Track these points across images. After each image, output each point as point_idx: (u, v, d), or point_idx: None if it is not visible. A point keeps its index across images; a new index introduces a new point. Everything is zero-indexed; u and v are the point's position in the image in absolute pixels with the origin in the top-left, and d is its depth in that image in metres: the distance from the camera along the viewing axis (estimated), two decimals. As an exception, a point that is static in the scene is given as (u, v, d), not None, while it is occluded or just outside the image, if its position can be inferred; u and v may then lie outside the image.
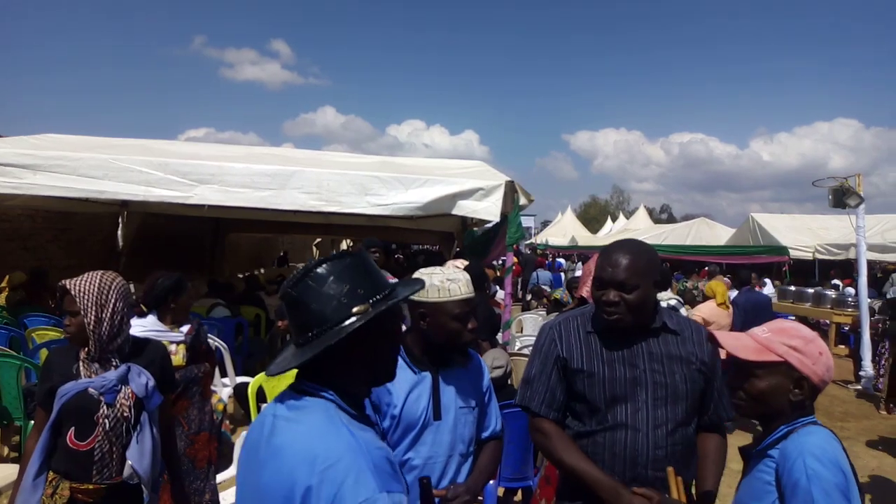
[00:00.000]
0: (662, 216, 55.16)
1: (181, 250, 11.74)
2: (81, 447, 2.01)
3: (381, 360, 1.25)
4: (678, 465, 1.77)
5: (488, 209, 4.90)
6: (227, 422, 4.45)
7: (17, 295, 6.40)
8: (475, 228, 7.30)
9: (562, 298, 7.02)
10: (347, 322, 1.15)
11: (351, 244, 22.91)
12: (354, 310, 1.16)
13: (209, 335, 3.55)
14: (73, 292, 2.02)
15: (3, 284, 6.47)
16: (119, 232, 8.03)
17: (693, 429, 1.86)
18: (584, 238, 27.68)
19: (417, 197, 4.91)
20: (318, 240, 21.95)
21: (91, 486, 2.01)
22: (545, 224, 36.85)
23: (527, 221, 30.04)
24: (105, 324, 2.05)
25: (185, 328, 3.07)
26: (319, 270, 1.18)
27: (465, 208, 4.95)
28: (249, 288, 8.54)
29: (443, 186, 4.89)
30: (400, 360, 1.46)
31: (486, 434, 2.07)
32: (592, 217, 47.47)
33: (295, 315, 1.20)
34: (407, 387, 1.87)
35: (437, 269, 1.95)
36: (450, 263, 2.00)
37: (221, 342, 5.06)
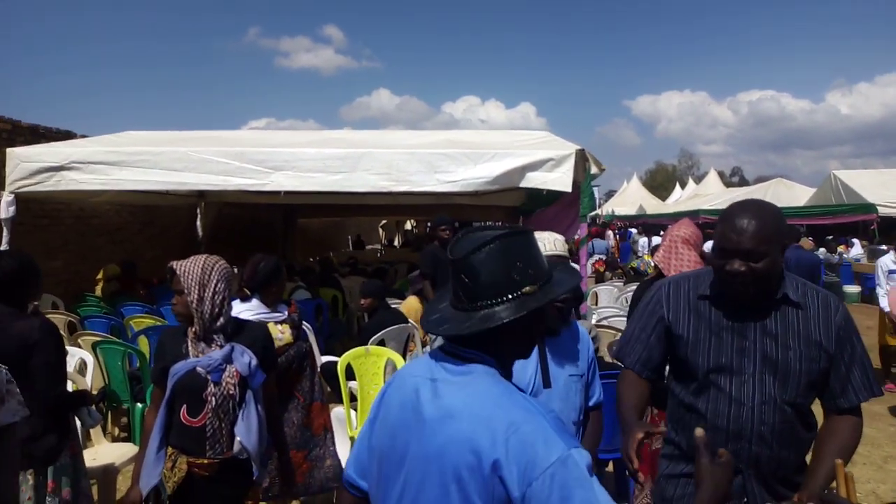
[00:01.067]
0: (734, 179, 52.92)
1: (255, 237, 12.17)
2: (194, 423, 2.12)
3: (532, 338, 1.26)
4: (783, 445, 1.69)
5: (560, 179, 4.80)
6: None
7: (112, 286, 6.80)
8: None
9: (639, 267, 6.85)
10: (516, 298, 1.17)
11: (414, 224, 23.16)
12: (526, 289, 1.17)
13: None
14: (178, 273, 2.15)
15: (99, 276, 6.88)
16: (198, 222, 8.40)
17: (806, 409, 1.73)
18: (653, 206, 26.82)
19: (487, 171, 4.87)
20: (384, 221, 22.28)
21: (205, 461, 2.12)
22: (610, 194, 35.99)
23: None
24: (207, 303, 2.16)
25: (285, 308, 3.22)
26: (499, 243, 1.19)
27: (534, 180, 4.87)
28: (325, 270, 8.76)
29: (512, 159, 4.83)
30: None
31: (591, 402, 2.06)
32: (659, 184, 46.05)
33: (464, 282, 1.20)
34: None
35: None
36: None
37: (306, 323, 5.21)
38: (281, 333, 3.09)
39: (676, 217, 14.88)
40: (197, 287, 2.14)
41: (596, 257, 13.37)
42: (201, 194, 8.11)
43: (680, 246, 3.09)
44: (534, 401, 1.14)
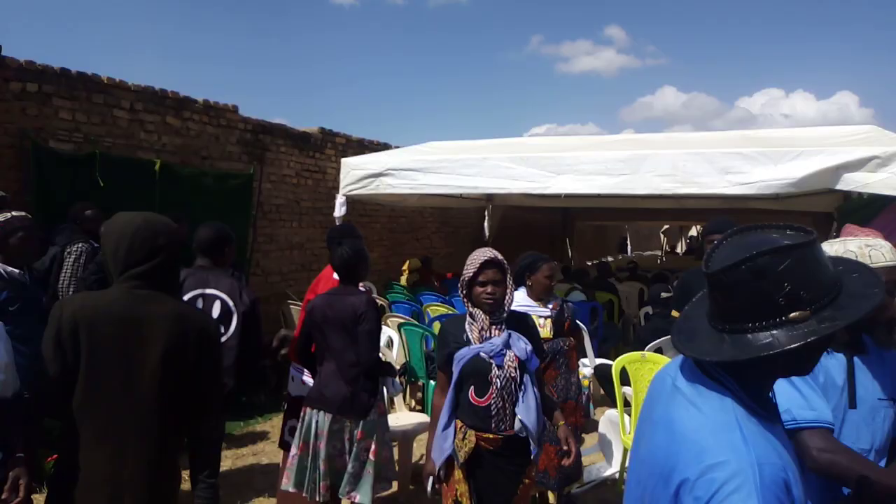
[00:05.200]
0: None
1: (535, 239, 12.68)
2: (481, 403, 2.36)
3: (806, 362, 1.10)
4: None
5: (886, 181, 4.07)
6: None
7: (413, 277, 7.79)
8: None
9: None
10: (778, 325, 1.02)
11: (700, 229, 21.60)
12: (792, 315, 1.01)
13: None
14: (505, 266, 2.45)
15: (404, 268, 7.94)
16: (485, 223, 9.12)
17: None
18: None
19: (789, 172, 4.35)
20: (666, 226, 21.23)
21: (491, 436, 2.35)
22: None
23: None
24: (509, 294, 2.45)
25: (551, 304, 3.37)
26: (761, 261, 1.02)
27: (852, 182, 4.19)
28: (601, 274, 8.75)
29: (823, 157, 4.23)
30: None
31: None
32: None
33: (719, 299, 1.10)
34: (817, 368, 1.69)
35: (850, 237, 1.75)
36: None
37: (581, 324, 5.32)
38: (541, 328, 3.24)
39: None
40: (511, 279, 2.45)
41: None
42: (489, 197, 8.76)
43: None
44: (759, 447, 1.01)
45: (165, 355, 1.79)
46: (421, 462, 2.83)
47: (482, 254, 2.44)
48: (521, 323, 2.52)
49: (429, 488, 2.42)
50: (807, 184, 4.33)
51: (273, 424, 5.17)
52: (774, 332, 1.02)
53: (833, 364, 1.70)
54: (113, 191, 5.09)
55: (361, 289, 3.13)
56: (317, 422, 2.93)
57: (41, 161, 4.85)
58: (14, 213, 3.19)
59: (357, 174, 5.87)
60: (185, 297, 2.96)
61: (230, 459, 4.49)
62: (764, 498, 0.95)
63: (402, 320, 5.10)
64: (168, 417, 1.81)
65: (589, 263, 13.10)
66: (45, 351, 1.75)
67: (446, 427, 2.39)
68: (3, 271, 3.06)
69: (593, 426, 4.68)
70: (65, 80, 5.17)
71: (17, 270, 3.12)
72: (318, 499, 2.92)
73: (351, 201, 6.01)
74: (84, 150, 5.20)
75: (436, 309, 5.83)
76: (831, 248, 1.74)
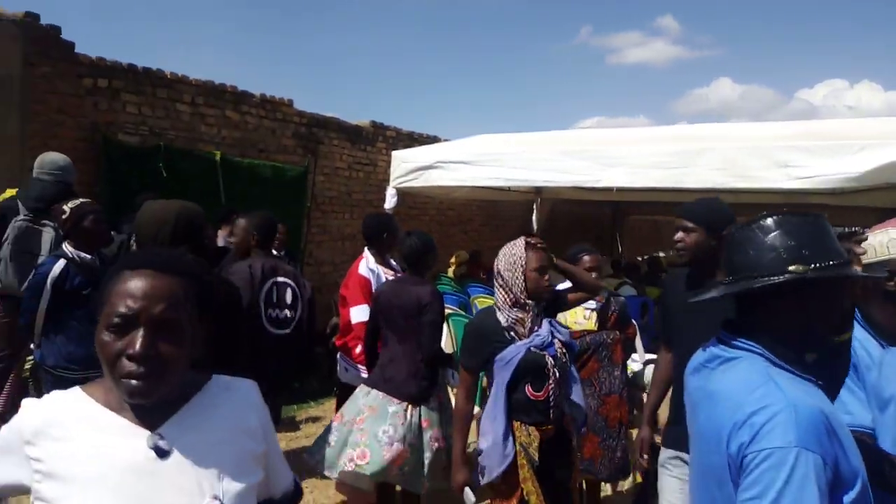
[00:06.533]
0: None
1: (584, 233, 12.54)
2: (539, 397, 2.35)
3: (810, 327, 1.20)
4: None
5: (957, 175, 3.89)
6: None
7: (461, 269, 7.85)
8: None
9: None
10: (779, 277, 1.15)
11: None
12: (791, 267, 1.14)
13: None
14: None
15: (453, 260, 8.01)
16: (534, 217, 9.08)
17: None
18: None
19: (851, 166, 4.20)
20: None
21: (549, 427, 2.37)
22: None
23: None
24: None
25: (596, 297, 3.37)
26: (768, 221, 1.20)
27: (920, 176, 4.03)
28: (652, 270, 8.63)
29: (889, 151, 4.08)
30: (864, 332, 1.40)
31: None
32: None
33: (729, 256, 1.24)
34: (872, 361, 1.66)
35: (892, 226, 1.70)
36: None
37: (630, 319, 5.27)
38: (585, 319, 3.23)
39: None
40: None
41: None
42: (538, 191, 8.73)
43: None
44: (794, 391, 1.09)
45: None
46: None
47: (524, 240, 2.43)
48: (553, 307, 2.56)
49: (471, 499, 2.38)
50: (869, 178, 4.18)
51: (325, 409, 5.34)
52: (774, 278, 1.14)
53: (888, 355, 1.65)
54: (176, 182, 5.32)
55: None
56: (370, 399, 2.99)
57: (110, 154, 5.12)
58: (83, 200, 3.40)
59: (407, 167, 5.96)
60: (265, 287, 3.03)
61: (284, 441, 4.67)
62: (802, 430, 1.04)
63: (450, 311, 5.16)
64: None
65: (640, 259, 12.89)
66: None
67: (506, 432, 2.32)
68: (76, 256, 3.26)
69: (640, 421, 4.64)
70: (132, 76, 5.43)
71: (88, 256, 3.32)
72: (338, 471, 2.97)
73: (401, 194, 6.11)
74: (149, 142, 5.46)
75: (483, 300, 5.88)
76: (874, 238, 1.68)
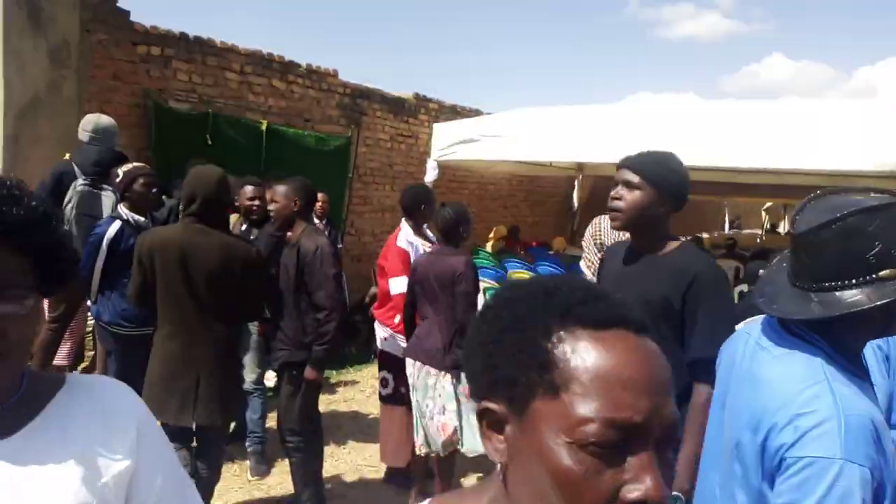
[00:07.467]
0: None
1: (626, 211, 12.42)
2: None
3: (888, 328, 1.10)
4: None
5: None
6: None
7: (499, 244, 7.88)
8: None
9: None
10: (868, 283, 1.02)
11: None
12: (882, 273, 1.01)
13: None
14: None
15: (491, 235, 8.03)
16: (574, 193, 9.00)
17: None
18: None
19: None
20: (769, 204, 20.02)
21: None
22: None
23: None
24: None
25: None
26: (852, 221, 1.03)
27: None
28: (692, 250, 8.49)
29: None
30: None
31: None
32: None
33: (806, 260, 1.11)
34: None
35: None
36: None
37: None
38: None
39: None
40: None
41: None
42: (580, 167, 8.63)
43: None
44: (846, 396, 1.02)
45: (213, 272, 2.59)
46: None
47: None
48: None
49: None
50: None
51: (362, 374, 5.49)
52: (864, 289, 1.03)
53: None
54: (223, 149, 5.46)
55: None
56: (412, 374, 3.12)
57: (161, 120, 5.28)
58: (136, 164, 3.55)
59: (448, 140, 5.96)
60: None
61: (323, 404, 4.83)
62: (851, 442, 0.98)
63: (486, 284, 5.21)
64: (224, 317, 2.65)
65: (682, 239, 12.65)
66: (133, 267, 2.71)
67: None
68: (130, 218, 3.41)
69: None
70: (183, 44, 5.56)
71: (142, 218, 3.46)
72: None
73: (441, 167, 6.13)
74: (198, 109, 5.60)
75: (520, 275, 5.91)
76: None
